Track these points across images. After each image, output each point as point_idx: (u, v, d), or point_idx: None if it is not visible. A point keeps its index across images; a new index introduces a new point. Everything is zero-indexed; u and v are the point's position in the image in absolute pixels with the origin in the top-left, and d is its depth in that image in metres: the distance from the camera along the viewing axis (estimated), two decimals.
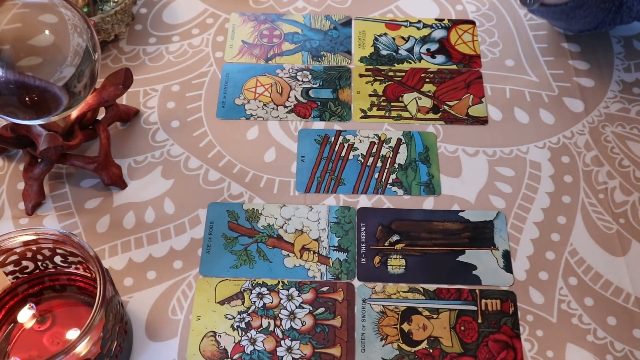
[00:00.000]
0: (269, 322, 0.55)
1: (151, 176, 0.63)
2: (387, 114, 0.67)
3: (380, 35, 0.73)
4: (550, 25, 0.74)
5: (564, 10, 0.64)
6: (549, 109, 0.67)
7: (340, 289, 0.56)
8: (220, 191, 0.62)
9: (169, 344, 0.54)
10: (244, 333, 0.54)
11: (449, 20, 0.74)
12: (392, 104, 0.67)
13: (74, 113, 0.58)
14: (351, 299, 0.56)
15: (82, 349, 0.44)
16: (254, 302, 0.55)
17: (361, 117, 0.66)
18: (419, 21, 0.74)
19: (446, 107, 0.67)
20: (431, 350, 0.53)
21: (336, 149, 0.64)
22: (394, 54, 0.71)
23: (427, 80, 0.69)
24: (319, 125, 0.66)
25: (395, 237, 0.59)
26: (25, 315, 0.52)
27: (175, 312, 0.55)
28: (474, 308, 0.55)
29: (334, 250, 0.58)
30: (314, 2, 0.76)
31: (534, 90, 0.69)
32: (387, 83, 0.69)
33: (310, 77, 0.69)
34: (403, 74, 0.70)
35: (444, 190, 0.62)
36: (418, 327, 0.54)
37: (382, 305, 0.55)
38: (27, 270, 0.52)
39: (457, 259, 0.58)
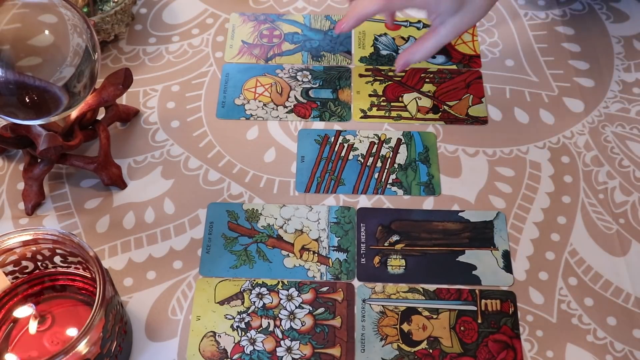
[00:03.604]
0: (268, 323, 0.55)
1: (151, 176, 0.63)
2: (387, 114, 0.67)
3: (380, 35, 0.73)
4: (551, 26, 0.74)
5: None
6: (549, 109, 0.67)
7: (340, 289, 0.56)
8: (220, 191, 0.62)
9: (169, 344, 0.54)
10: (243, 333, 0.54)
11: None
12: (392, 104, 0.67)
13: (74, 113, 0.58)
14: (351, 299, 0.56)
15: (82, 349, 0.44)
16: (254, 302, 0.55)
17: (361, 117, 0.66)
18: (419, 21, 0.74)
19: (446, 107, 0.67)
20: (431, 351, 0.53)
21: (336, 149, 0.64)
22: (394, 54, 0.71)
23: (427, 80, 0.69)
24: (318, 125, 0.66)
25: (395, 237, 0.59)
26: (24, 314, 0.52)
27: (175, 312, 0.55)
28: (474, 308, 0.55)
29: (333, 250, 0.58)
30: (314, 2, 0.76)
31: (534, 90, 0.69)
32: (387, 83, 0.69)
33: (310, 77, 0.69)
34: (403, 74, 0.69)
35: (444, 190, 0.62)
36: (418, 327, 0.54)
37: (382, 306, 0.55)
38: (27, 270, 0.52)
39: (457, 259, 0.58)
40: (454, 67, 0.70)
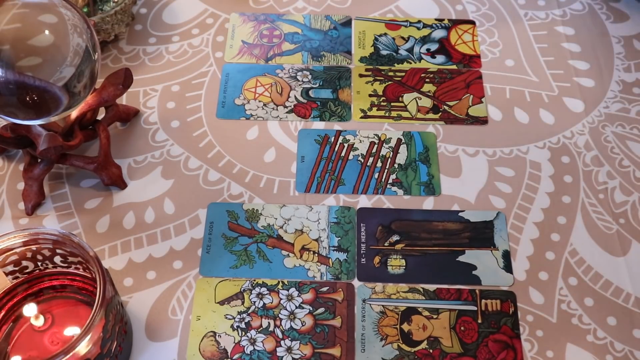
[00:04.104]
0: (268, 322, 0.55)
1: (151, 176, 0.63)
2: (387, 114, 0.67)
3: (380, 35, 0.73)
4: (551, 26, 0.74)
5: None
6: (549, 109, 0.67)
7: (340, 289, 0.56)
8: (220, 191, 0.62)
9: (169, 344, 0.54)
10: (243, 333, 0.54)
11: (449, 20, 0.74)
12: (392, 104, 0.67)
13: (74, 113, 0.58)
14: (351, 299, 0.56)
15: (82, 349, 0.44)
16: (254, 302, 0.55)
17: (361, 117, 0.66)
18: (419, 21, 0.74)
19: (446, 107, 0.67)
20: (431, 351, 0.53)
21: (336, 149, 0.64)
22: (394, 54, 0.71)
23: (427, 80, 0.69)
24: (318, 125, 0.66)
25: (395, 237, 0.59)
26: (30, 312, 0.52)
27: (175, 312, 0.55)
28: (474, 308, 0.55)
29: (333, 250, 0.58)
30: (314, 2, 0.76)
31: (534, 90, 0.69)
32: (387, 83, 0.69)
33: (310, 77, 0.69)
34: (403, 74, 0.70)
35: (444, 190, 0.62)
36: (418, 327, 0.54)
37: (382, 306, 0.55)
38: (27, 270, 0.52)
39: (457, 259, 0.58)
40: (454, 67, 0.70)
